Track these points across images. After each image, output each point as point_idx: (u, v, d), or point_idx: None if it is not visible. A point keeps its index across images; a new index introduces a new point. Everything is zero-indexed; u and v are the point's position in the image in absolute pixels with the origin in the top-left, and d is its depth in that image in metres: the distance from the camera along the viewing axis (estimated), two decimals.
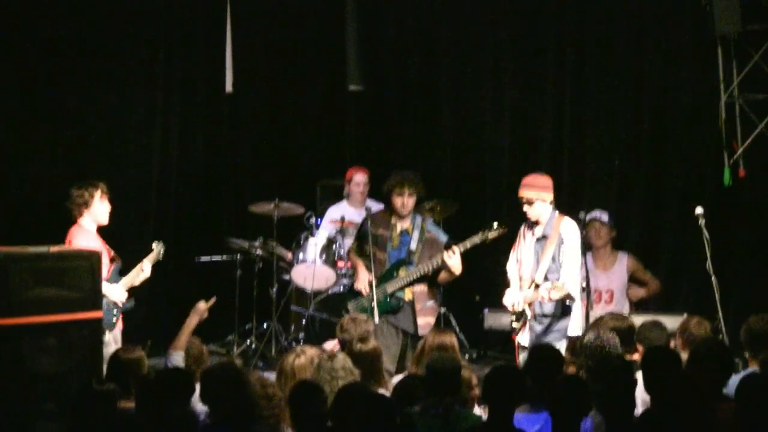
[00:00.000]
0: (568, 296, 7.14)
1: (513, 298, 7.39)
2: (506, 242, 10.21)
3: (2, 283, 5.96)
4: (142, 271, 7.79)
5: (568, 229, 7.30)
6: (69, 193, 7.62)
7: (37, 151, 9.54)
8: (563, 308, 7.26)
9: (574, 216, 7.62)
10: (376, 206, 9.16)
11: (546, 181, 7.47)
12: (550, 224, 7.32)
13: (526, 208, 7.40)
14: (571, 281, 7.16)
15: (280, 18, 10.70)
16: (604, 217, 8.79)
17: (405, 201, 7.72)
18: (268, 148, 10.80)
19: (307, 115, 10.82)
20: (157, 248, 7.96)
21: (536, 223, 7.41)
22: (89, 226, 7.56)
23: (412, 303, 7.71)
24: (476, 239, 7.76)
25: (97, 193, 7.59)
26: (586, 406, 4.86)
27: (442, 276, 7.83)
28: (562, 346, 6.79)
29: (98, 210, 7.61)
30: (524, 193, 7.40)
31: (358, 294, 7.76)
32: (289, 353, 5.94)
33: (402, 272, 7.71)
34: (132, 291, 7.92)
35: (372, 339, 6.29)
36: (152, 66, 10.15)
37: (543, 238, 7.35)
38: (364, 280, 7.74)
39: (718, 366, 5.34)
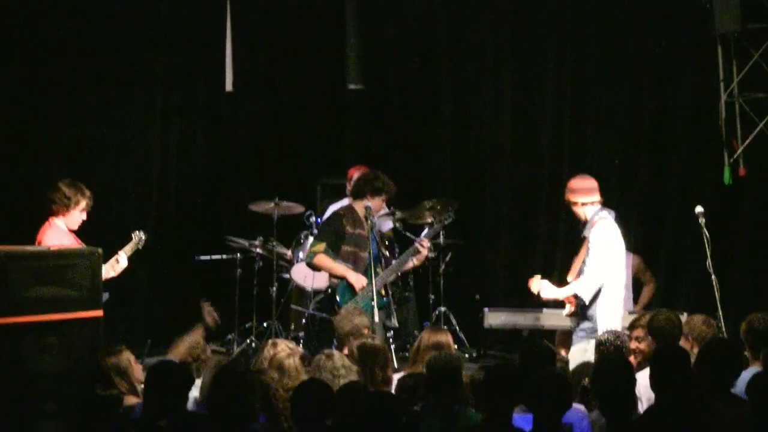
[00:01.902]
0: (577, 298, 7.26)
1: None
2: (505, 242, 10.27)
3: (2, 282, 5.95)
4: (117, 262, 7.57)
5: (595, 232, 7.33)
6: (54, 189, 7.50)
7: (37, 151, 9.54)
8: (581, 310, 7.32)
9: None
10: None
11: (581, 183, 7.52)
12: (588, 226, 7.40)
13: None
14: (581, 284, 7.25)
15: (280, 18, 10.70)
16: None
17: (385, 204, 7.85)
18: (268, 147, 10.81)
19: (307, 114, 10.83)
20: (137, 237, 7.74)
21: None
22: (62, 225, 7.49)
23: (388, 298, 7.80)
24: (438, 228, 8.21)
25: (83, 203, 7.52)
26: (566, 402, 4.85)
27: (409, 265, 8.04)
28: (587, 346, 6.85)
29: (75, 218, 7.52)
30: (566, 196, 7.55)
31: (353, 295, 7.65)
32: (278, 351, 5.89)
33: (379, 269, 7.73)
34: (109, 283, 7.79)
35: (378, 337, 6.31)
36: (152, 66, 10.16)
37: (583, 239, 7.47)
38: (361, 281, 7.65)
39: (727, 365, 5.32)
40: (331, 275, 7.84)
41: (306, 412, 4.84)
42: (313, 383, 5.08)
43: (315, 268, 7.92)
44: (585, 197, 7.42)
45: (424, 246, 7.85)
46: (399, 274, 8.21)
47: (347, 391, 4.94)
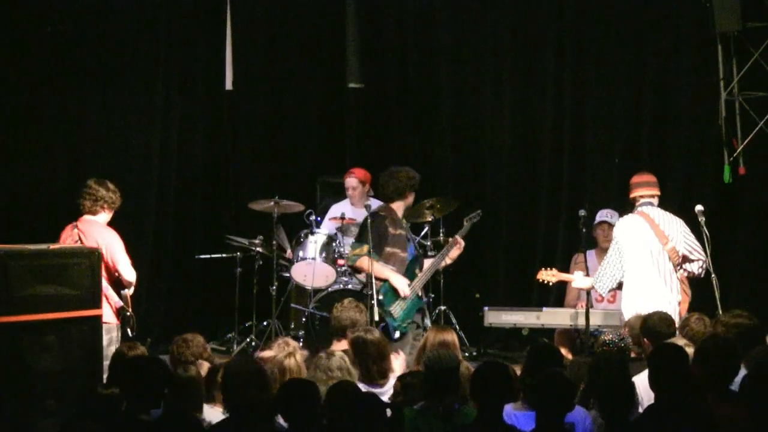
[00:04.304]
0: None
1: None
2: (505, 241, 10.27)
3: (2, 281, 5.96)
4: None
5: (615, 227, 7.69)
6: (100, 185, 7.49)
7: (37, 151, 9.55)
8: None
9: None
10: (376, 205, 9.16)
11: (633, 179, 7.76)
12: None
13: None
14: (597, 277, 7.59)
15: (280, 17, 10.69)
16: (614, 219, 8.78)
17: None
18: (267, 146, 10.79)
19: (307, 113, 10.81)
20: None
21: None
22: (103, 221, 7.50)
23: (425, 298, 7.91)
24: (467, 227, 8.04)
25: (118, 203, 7.59)
26: (569, 402, 4.86)
27: (441, 264, 8.01)
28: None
29: (108, 216, 7.56)
30: None
31: (397, 297, 7.59)
32: (280, 351, 5.90)
33: (417, 270, 7.74)
34: None
35: (375, 330, 6.29)
36: (152, 64, 10.17)
37: None
38: (404, 283, 7.57)
39: (725, 363, 5.31)
40: (375, 278, 7.64)
41: (290, 411, 4.83)
42: (297, 384, 5.08)
43: (357, 270, 7.79)
44: (633, 192, 7.64)
45: (460, 246, 7.85)
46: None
47: (335, 391, 4.92)
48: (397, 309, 7.55)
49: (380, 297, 7.54)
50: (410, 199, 7.83)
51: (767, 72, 9.23)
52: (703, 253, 7.45)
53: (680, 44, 9.69)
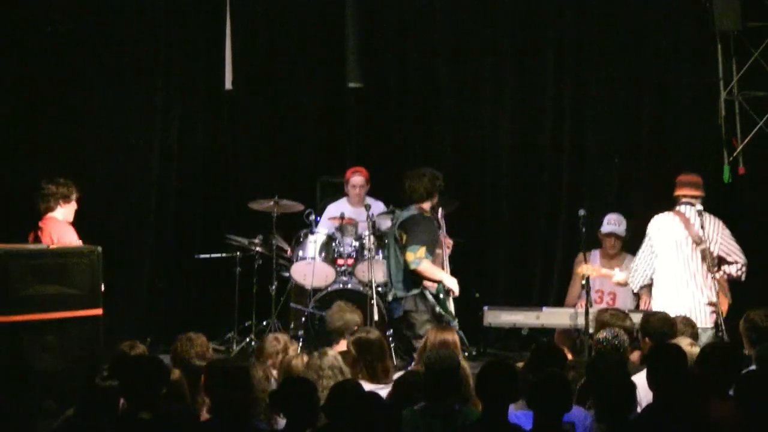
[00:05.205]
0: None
1: None
2: (505, 241, 10.26)
3: (2, 280, 5.97)
4: None
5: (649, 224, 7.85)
6: (49, 183, 7.54)
7: (37, 151, 9.53)
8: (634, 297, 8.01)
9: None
10: (375, 204, 9.17)
11: (678, 178, 7.90)
12: None
13: None
14: (631, 273, 7.82)
15: (280, 16, 10.69)
16: (621, 228, 8.75)
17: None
18: (267, 145, 10.78)
19: (307, 113, 10.79)
20: None
21: None
22: (61, 218, 7.53)
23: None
24: (443, 225, 8.04)
25: (75, 195, 7.60)
26: (567, 402, 4.86)
27: None
28: None
29: (72, 209, 7.59)
30: None
31: (449, 297, 7.68)
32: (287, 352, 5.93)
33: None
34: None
35: (375, 330, 6.31)
36: (152, 64, 10.16)
37: None
38: (456, 284, 7.68)
39: (726, 364, 5.33)
40: (431, 280, 7.67)
41: (288, 409, 4.84)
42: (295, 382, 5.10)
43: (416, 273, 7.65)
44: (676, 191, 7.79)
45: (449, 245, 7.96)
46: None
47: (337, 390, 4.93)
48: (452, 308, 7.65)
49: (441, 296, 7.60)
50: (436, 199, 7.84)
51: (767, 72, 9.23)
52: (742, 256, 7.49)
53: (680, 44, 9.69)
